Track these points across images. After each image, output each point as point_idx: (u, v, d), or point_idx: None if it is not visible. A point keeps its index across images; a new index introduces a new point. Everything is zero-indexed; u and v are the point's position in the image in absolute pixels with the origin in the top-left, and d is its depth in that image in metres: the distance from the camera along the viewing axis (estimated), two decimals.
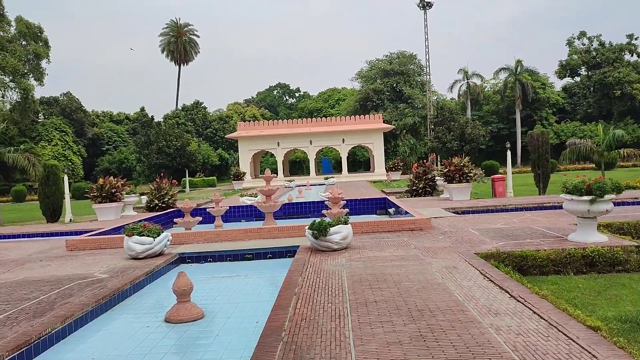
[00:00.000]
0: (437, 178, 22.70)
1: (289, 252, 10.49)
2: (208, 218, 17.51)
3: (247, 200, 21.14)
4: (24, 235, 16.26)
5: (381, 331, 4.97)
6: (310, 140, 48.49)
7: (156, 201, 22.25)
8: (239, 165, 48.47)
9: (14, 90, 55.34)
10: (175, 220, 14.41)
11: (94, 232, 12.86)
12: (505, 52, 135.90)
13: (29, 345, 5.42)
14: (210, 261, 10.65)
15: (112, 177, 20.16)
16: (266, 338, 4.97)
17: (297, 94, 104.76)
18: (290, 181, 37.60)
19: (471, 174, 19.01)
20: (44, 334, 5.75)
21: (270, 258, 10.58)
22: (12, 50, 53.65)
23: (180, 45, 79.97)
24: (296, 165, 68.21)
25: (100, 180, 19.70)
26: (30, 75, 56.76)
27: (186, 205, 13.92)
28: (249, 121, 61.69)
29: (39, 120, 62.37)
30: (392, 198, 19.51)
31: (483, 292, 6.24)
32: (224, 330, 6.19)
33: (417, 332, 4.89)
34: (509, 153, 21.05)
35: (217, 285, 8.67)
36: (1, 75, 53.70)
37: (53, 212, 21.73)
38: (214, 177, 55.93)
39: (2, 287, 8.28)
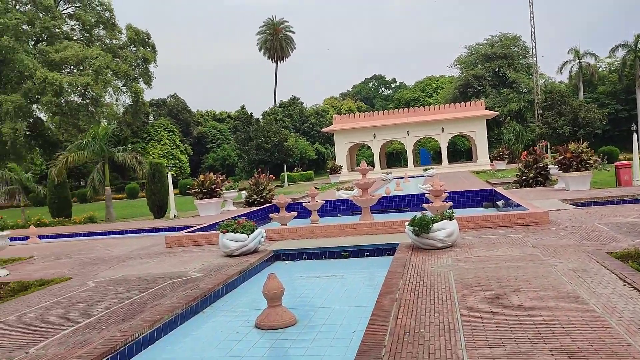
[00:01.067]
0: (549, 166, 20.81)
1: (387, 250, 9.74)
2: (304, 213, 17.15)
3: (343, 194, 20.59)
4: (130, 232, 16.82)
5: (502, 352, 4.09)
6: (408, 131, 47.12)
7: (255, 196, 22.35)
8: (335, 159, 48.21)
9: (126, 94, 59.00)
10: (270, 215, 14.15)
11: (191, 229, 12.88)
12: (623, 27, 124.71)
13: (114, 353, 5.14)
14: (305, 259, 10.17)
15: (212, 173, 20.43)
16: (364, 356, 4.28)
17: (392, 85, 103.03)
18: (387, 173, 36.67)
19: (591, 161, 17.10)
20: (130, 339, 5.46)
21: (367, 256, 9.89)
22: (123, 57, 57.15)
23: (276, 42, 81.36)
24: (393, 157, 66.92)
25: (201, 177, 20.03)
26: (140, 79, 60.18)
27: (281, 200, 13.59)
28: (345, 114, 61.32)
29: (149, 122, 66.04)
30: (499, 189, 18.06)
31: (627, 303, 5.12)
32: (317, 339, 5.59)
33: (549, 355, 3.96)
34: (635, 137, 18.77)
35: (311, 286, 8.13)
36: (115, 80, 57.42)
37: (159, 209, 22.52)
38: (312, 172, 56.20)
39: (102, 285, 8.28)
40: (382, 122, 47.95)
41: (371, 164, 49.16)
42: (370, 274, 8.72)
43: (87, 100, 48.28)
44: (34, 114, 51.42)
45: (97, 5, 57.26)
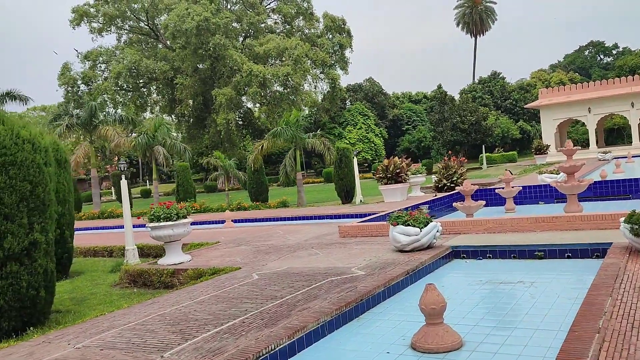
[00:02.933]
0: None
1: (596, 252, 7.81)
2: (499, 200, 15.33)
3: (547, 178, 18.03)
4: (313, 217, 16.80)
5: None
6: (632, 103, 40.47)
7: (444, 181, 20.87)
8: (541, 138, 43.68)
9: (324, 81, 61.16)
10: (454, 204, 12.73)
11: (365, 219, 12.13)
12: None
13: None
14: (489, 257, 8.69)
15: (396, 157, 19.56)
16: None
17: (614, 52, 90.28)
18: (605, 153, 31.84)
19: None
20: (265, 352, 4.83)
21: (568, 258, 8.05)
22: (320, 45, 59.20)
23: (475, 15, 76.98)
24: (614, 134, 58.54)
25: (385, 161, 19.29)
26: (336, 66, 61.85)
27: (466, 187, 12.11)
28: (554, 87, 55.23)
29: (346, 107, 67.70)
30: None
31: None
32: None
33: None
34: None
35: (490, 295, 6.73)
36: (314, 68, 59.87)
37: (347, 194, 22.43)
38: (514, 152, 51.90)
39: (263, 278, 7.96)
40: (599, 94, 41.93)
41: (585, 142, 43.49)
42: (570, 283, 6.98)
43: (288, 89, 51.00)
44: (243, 105, 56.19)
45: None
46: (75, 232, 21.29)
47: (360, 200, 20.89)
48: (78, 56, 53.81)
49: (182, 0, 50.89)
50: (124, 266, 10.46)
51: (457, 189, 13.12)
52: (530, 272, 7.69)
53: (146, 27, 58.45)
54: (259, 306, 6.32)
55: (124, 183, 11.86)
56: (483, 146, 46.80)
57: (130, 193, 31.72)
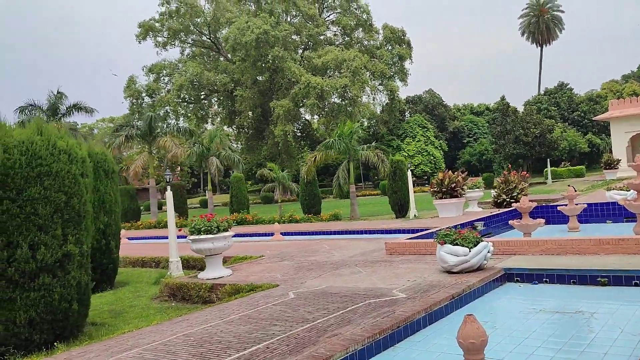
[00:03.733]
0: None
1: None
2: (561, 218, 14.34)
3: (615, 195, 16.71)
4: (364, 232, 16.30)
5: None
6: None
7: (504, 196, 19.82)
8: (611, 152, 41.23)
9: (382, 92, 60.57)
10: (510, 222, 11.88)
11: (413, 235, 11.51)
12: None
13: None
14: (546, 282, 7.94)
15: (450, 171, 18.77)
16: None
17: None
18: None
19: None
20: None
21: (636, 285, 7.21)
22: (379, 56, 58.75)
23: (541, 24, 74.33)
24: None
25: (440, 175, 18.55)
26: (395, 77, 61.15)
27: (523, 204, 11.28)
28: (626, 98, 52.24)
29: (405, 119, 66.73)
30: None
31: None
32: None
33: None
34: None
35: (542, 327, 6.03)
36: (372, 80, 59.43)
37: (400, 207, 21.76)
38: (582, 167, 49.31)
39: (299, 298, 7.57)
40: None
41: None
42: (637, 316, 6.16)
43: (346, 101, 50.77)
44: (301, 116, 56.41)
45: (356, 9, 59.91)
46: (131, 241, 21.84)
47: (415, 215, 20.21)
48: (143, 69, 55.74)
49: (243, 14, 51.90)
50: (164, 279, 10.36)
51: (514, 205, 12.27)
52: (591, 300, 6.92)
53: (208, 40, 59.95)
54: (288, 329, 5.92)
55: (169, 194, 11.82)
56: (548, 160, 44.67)
57: (186, 203, 32.35)
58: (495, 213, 15.63)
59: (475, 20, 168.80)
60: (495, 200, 20.32)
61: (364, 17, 60.18)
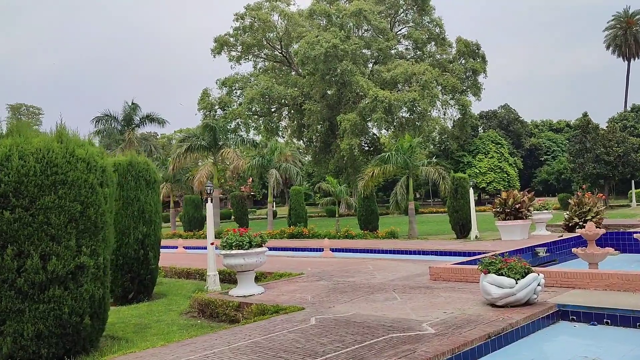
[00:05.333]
0: None
1: None
2: (636, 247, 12.86)
3: None
4: (417, 252, 15.40)
5: None
6: None
7: (576, 219, 18.28)
8: None
9: (454, 107, 58.80)
10: (573, 250, 10.64)
11: (459, 262, 10.54)
12: None
13: None
14: (607, 323, 6.86)
15: (516, 191, 17.48)
16: None
17: None
18: None
19: None
20: None
21: None
22: (452, 70, 57.18)
23: (629, 37, 69.82)
24: None
25: (503, 194, 17.32)
26: (468, 92, 59.22)
27: (589, 230, 10.06)
28: None
29: (478, 134, 64.45)
30: None
31: None
32: None
33: None
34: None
35: None
36: (444, 94, 57.89)
37: (462, 227, 20.63)
38: None
39: (319, 325, 6.93)
40: None
41: None
42: None
43: (414, 115, 49.62)
44: (369, 130, 55.71)
45: (428, 23, 58.77)
46: (187, 250, 21.94)
47: (476, 236, 19.02)
48: (216, 82, 57.19)
49: (314, 28, 52.15)
50: (195, 294, 10.01)
51: (578, 231, 10.99)
52: None
53: (280, 54, 60.74)
54: None
55: (209, 206, 11.55)
56: (633, 182, 41.38)
57: (247, 214, 32.45)
58: (561, 238, 14.26)
59: (556, 33, 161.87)
60: (567, 223, 18.78)
61: (436, 30, 58.90)
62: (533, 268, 7.50)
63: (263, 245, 9.85)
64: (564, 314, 7.24)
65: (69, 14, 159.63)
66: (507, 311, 7.02)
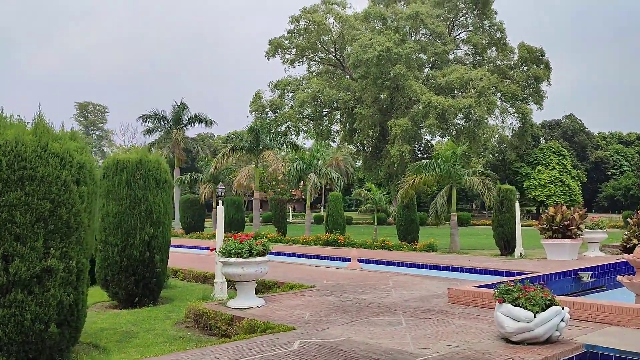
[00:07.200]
0: None
1: None
2: None
3: None
4: (452, 269, 14.23)
5: None
6: None
7: (635, 240, 16.41)
8: None
9: (513, 115, 56.34)
10: (618, 278, 9.26)
11: (480, 285, 9.38)
12: None
13: None
14: None
15: (565, 207, 15.97)
16: None
17: None
18: None
19: None
20: None
21: None
22: (512, 77, 54.83)
23: None
24: None
25: (551, 210, 15.87)
26: (529, 99, 56.60)
27: (638, 256, 8.72)
28: None
29: (538, 145, 61.50)
30: None
31: None
32: None
33: None
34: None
35: None
36: (503, 102, 55.58)
37: (507, 243, 19.17)
38: None
39: (300, 352, 6.11)
40: None
41: None
42: None
43: (470, 122, 47.77)
44: (422, 136, 54.18)
45: (489, 27, 56.71)
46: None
47: (521, 254, 17.58)
48: (269, 85, 57.25)
49: (368, 31, 51.24)
50: (192, 303, 9.39)
51: (625, 256, 9.61)
52: None
53: (334, 58, 60.18)
54: None
55: (219, 209, 10.94)
56: None
57: (285, 218, 31.88)
58: (611, 262, 12.76)
59: (634, 41, 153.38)
60: (625, 244, 16.98)
61: (497, 35, 56.67)
62: (557, 299, 6.39)
63: (266, 254, 9.13)
64: (592, 357, 6.09)
65: (136, 16, 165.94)
66: (522, 350, 5.96)
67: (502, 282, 8.32)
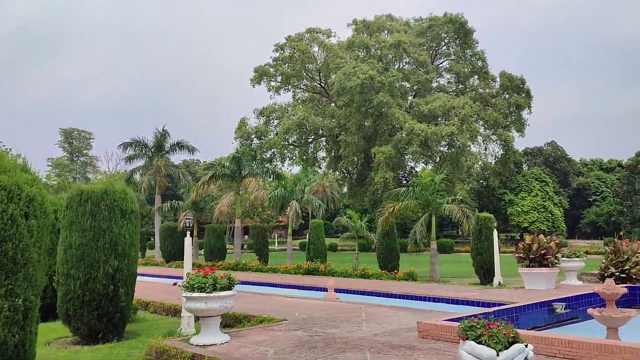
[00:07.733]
0: None
1: None
2: None
3: None
4: (429, 299, 14.05)
5: None
6: None
7: (612, 269, 16.48)
8: None
9: (496, 143, 56.81)
10: (589, 310, 9.09)
11: (450, 318, 9.16)
12: None
13: None
14: None
15: (542, 235, 15.90)
16: None
17: None
18: None
19: None
20: None
21: None
22: (494, 105, 55.47)
23: None
24: None
25: (527, 238, 15.80)
26: (511, 127, 57.17)
27: (608, 288, 8.58)
28: None
29: (521, 172, 61.96)
30: None
31: None
32: None
33: None
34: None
35: None
36: (486, 129, 56.09)
37: (486, 272, 19.06)
38: None
39: None
40: None
41: None
42: None
43: (452, 150, 48.02)
44: (405, 164, 54.33)
45: (471, 56, 57.54)
46: None
47: (499, 283, 17.43)
48: (254, 112, 57.38)
49: (352, 60, 51.73)
50: (152, 340, 9.05)
51: (594, 289, 9.43)
52: None
53: (319, 85, 60.57)
54: None
55: (187, 240, 10.70)
56: None
57: (267, 246, 31.47)
58: (586, 292, 12.61)
59: (613, 71, 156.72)
60: (602, 273, 16.98)
61: (479, 64, 57.49)
62: (522, 336, 6.20)
63: (231, 288, 8.86)
64: None
65: (125, 44, 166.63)
66: None
67: (472, 315, 8.14)
